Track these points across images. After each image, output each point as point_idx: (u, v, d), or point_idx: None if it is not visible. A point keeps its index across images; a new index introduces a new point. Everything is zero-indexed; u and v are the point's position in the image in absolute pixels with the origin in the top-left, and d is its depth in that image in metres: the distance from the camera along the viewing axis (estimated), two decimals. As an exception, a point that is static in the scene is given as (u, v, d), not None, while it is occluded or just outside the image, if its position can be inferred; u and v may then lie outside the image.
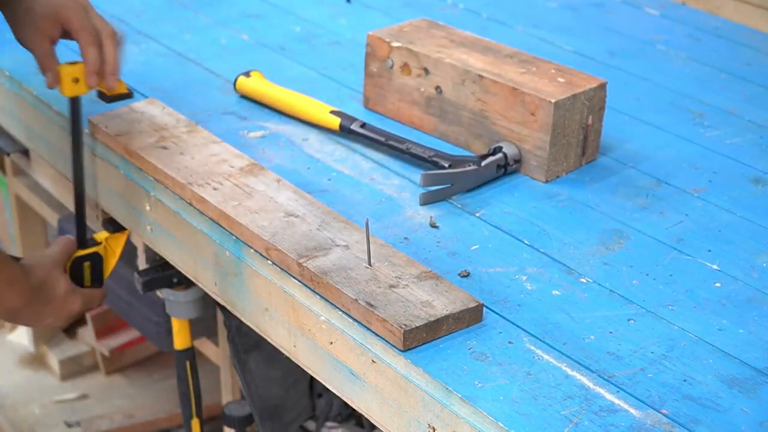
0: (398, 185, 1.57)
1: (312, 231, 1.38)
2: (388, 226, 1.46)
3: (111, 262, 1.67)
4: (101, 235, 1.66)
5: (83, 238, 1.61)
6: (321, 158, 1.64)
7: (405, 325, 1.20)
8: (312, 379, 1.97)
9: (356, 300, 1.24)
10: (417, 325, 1.20)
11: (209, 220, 1.47)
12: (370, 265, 1.30)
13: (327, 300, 1.29)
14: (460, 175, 1.54)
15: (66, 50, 1.93)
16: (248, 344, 1.91)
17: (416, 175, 1.57)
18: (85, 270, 1.62)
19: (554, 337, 1.25)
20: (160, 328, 2.32)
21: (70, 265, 1.59)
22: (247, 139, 1.69)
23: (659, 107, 1.85)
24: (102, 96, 1.56)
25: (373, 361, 1.22)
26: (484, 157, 1.59)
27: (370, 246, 1.29)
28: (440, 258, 1.40)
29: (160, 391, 2.71)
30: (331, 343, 1.30)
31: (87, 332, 2.78)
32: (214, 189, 1.48)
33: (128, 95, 1.57)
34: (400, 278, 1.28)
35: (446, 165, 1.56)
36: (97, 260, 1.63)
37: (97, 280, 1.64)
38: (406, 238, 1.44)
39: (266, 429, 1.98)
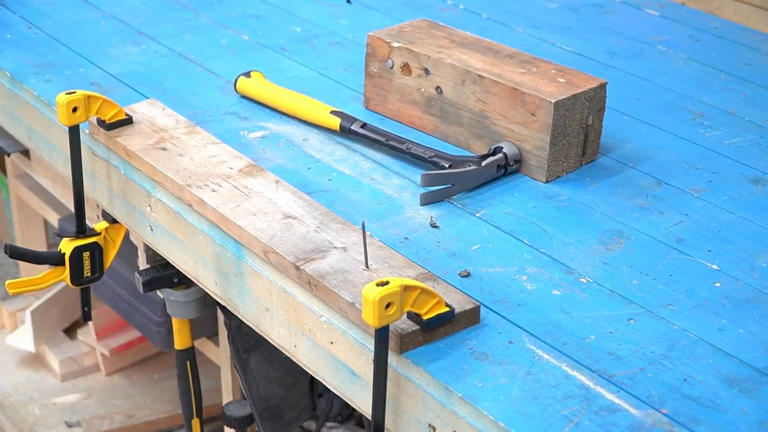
0: (399, 185, 1.57)
1: (310, 233, 1.37)
2: (389, 226, 1.47)
3: (111, 253, 1.67)
4: (101, 225, 1.67)
5: (82, 228, 1.61)
6: (321, 158, 1.64)
7: (401, 329, 1.20)
8: (312, 378, 1.97)
9: (353, 304, 1.24)
10: (413, 329, 1.20)
11: (209, 221, 1.47)
12: (368, 268, 1.29)
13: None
14: (461, 176, 1.54)
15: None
16: (249, 344, 1.91)
17: (416, 175, 1.56)
18: (84, 260, 1.62)
19: (554, 337, 1.25)
20: (161, 328, 2.33)
21: (70, 255, 1.59)
22: (247, 139, 1.69)
23: (659, 107, 1.85)
24: (101, 123, 1.60)
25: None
26: (484, 157, 1.58)
27: (368, 248, 1.29)
28: (440, 258, 1.39)
29: (160, 391, 2.71)
30: (332, 342, 1.29)
31: (87, 332, 2.78)
32: (213, 191, 1.48)
33: (128, 121, 1.61)
34: (397, 280, 1.29)
35: (446, 165, 1.56)
36: (96, 250, 1.63)
37: (97, 270, 1.64)
38: (406, 238, 1.44)
39: (267, 429, 1.98)
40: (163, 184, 1.55)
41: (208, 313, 2.05)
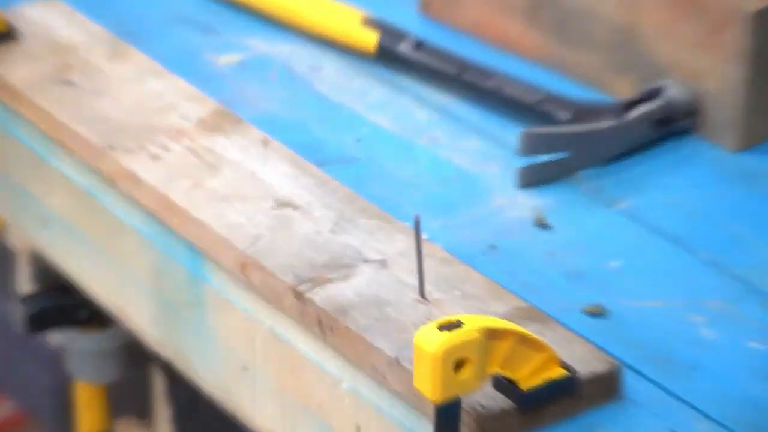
0: (479, 151, 1.59)
1: (322, 234, 1.39)
2: (461, 225, 1.48)
3: None
4: None
5: None
6: (344, 102, 1.67)
7: (481, 406, 1.19)
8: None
9: (397, 360, 1.23)
10: (503, 407, 1.19)
11: (145, 211, 1.49)
12: (424, 298, 1.30)
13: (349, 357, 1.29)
14: (589, 137, 1.55)
15: None
16: (209, 431, 1.93)
17: (511, 134, 1.57)
18: None
19: (752, 425, 1.23)
20: (54, 398, 2.33)
21: None
22: (214, 67, 1.72)
23: None
24: None
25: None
26: (630, 105, 1.59)
27: (425, 262, 1.29)
28: (553, 282, 1.40)
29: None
30: (359, 428, 1.29)
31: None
32: (154, 158, 1.50)
33: (10, 35, 1.67)
34: (478, 321, 1.29)
35: (565, 117, 1.58)
36: None
37: None
38: (493, 247, 1.45)
39: None
40: (66, 145, 1.57)
41: (137, 373, 2.05)
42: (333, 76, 1.72)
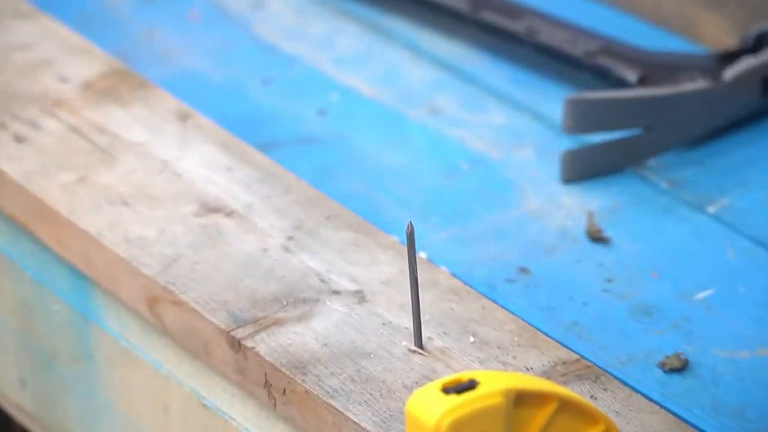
0: (503, 128, 1.59)
1: (270, 253, 1.38)
2: (477, 238, 1.46)
3: None
4: None
5: None
6: (300, 55, 1.71)
7: None
8: None
9: None
10: None
11: (6, 219, 1.51)
12: (421, 348, 1.26)
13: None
14: (667, 107, 1.52)
15: None
16: None
17: (550, 101, 1.58)
18: None
19: None
20: None
21: None
22: (107, 3, 1.68)
23: None
24: None
25: None
26: (727, 58, 1.58)
27: (421, 295, 1.26)
28: (612, 321, 1.38)
29: None
30: None
31: None
32: (19, 140, 1.51)
33: None
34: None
35: (631, 77, 1.52)
36: None
37: None
38: (523, 270, 1.41)
39: None
40: None
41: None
42: (283, 16, 1.74)
